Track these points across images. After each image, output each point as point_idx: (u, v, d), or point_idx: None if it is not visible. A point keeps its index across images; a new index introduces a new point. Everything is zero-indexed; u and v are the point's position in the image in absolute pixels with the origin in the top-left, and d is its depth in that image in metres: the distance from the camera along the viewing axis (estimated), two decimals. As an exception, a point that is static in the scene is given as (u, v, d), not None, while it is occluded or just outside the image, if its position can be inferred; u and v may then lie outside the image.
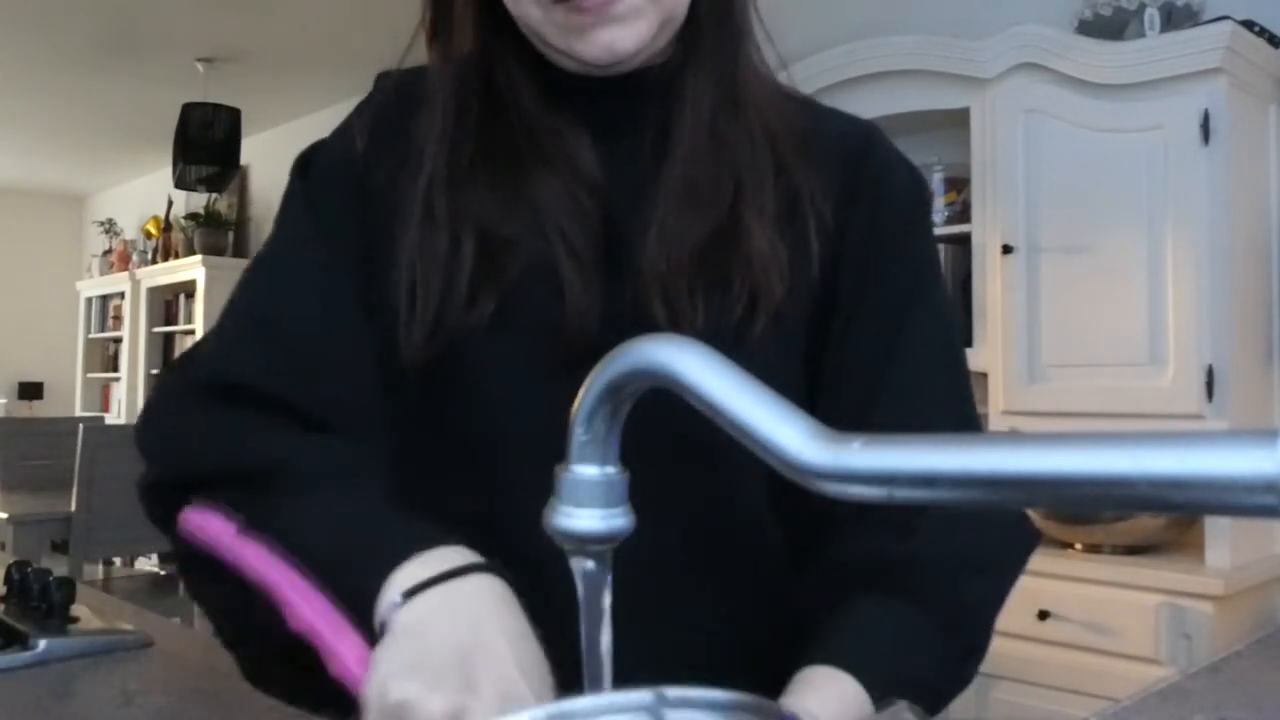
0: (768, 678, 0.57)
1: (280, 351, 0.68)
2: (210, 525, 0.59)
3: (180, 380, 0.70)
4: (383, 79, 0.78)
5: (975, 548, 0.66)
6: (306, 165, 0.75)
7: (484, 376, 0.69)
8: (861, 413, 0.67)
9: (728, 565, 0.71)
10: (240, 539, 0.57)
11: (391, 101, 0.75)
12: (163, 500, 0.65)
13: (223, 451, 0.65)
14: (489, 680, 0.49)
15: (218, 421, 0.66)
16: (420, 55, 0.76)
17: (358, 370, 0.69)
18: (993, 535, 0.68)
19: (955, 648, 0.65)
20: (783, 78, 0.78)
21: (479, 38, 0.72)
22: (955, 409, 0.73)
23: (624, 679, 0.53)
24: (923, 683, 0.62)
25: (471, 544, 0.59)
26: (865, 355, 0.71)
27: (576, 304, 0.67)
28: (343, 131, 0.76)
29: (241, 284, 0.73)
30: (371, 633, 0.53)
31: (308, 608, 0.54)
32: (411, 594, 0.53)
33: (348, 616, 0.54)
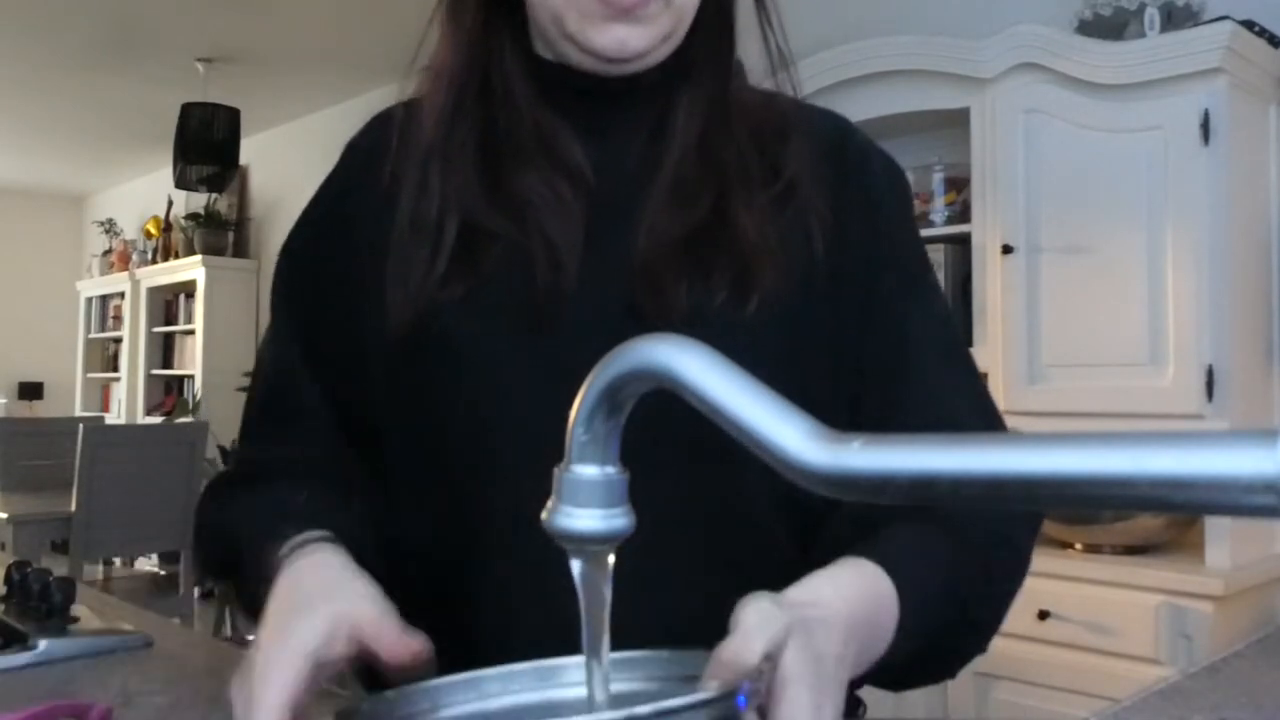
0: None
1: (274, 430, 0.79)
2: None
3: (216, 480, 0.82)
4: (370, 122, 0.83)
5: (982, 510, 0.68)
6: (288, 250, 0.82)
7: (460, 347, 0.71)
8: (882, 423, 0.69)
9: (739, 562, 0.71)
10: None
11: (374, 137, 0.80)
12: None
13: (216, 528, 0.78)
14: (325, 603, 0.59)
15: (219, 509, 0.78)
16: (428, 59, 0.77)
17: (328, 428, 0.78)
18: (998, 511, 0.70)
19: (968, 557, 0.65)
20: (783, 78, 0.78)
21: (483, 24, 0.74)
22: (973, 401, 0.75)
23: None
24: (940, 572, 0.63)
25: (466, 543, 0.65)
26: (875, 361, 0.73)
27: (546, 283, 0.69)
28: (321, 192, 0.81)
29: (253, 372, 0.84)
30: None
31: None
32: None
33: None
